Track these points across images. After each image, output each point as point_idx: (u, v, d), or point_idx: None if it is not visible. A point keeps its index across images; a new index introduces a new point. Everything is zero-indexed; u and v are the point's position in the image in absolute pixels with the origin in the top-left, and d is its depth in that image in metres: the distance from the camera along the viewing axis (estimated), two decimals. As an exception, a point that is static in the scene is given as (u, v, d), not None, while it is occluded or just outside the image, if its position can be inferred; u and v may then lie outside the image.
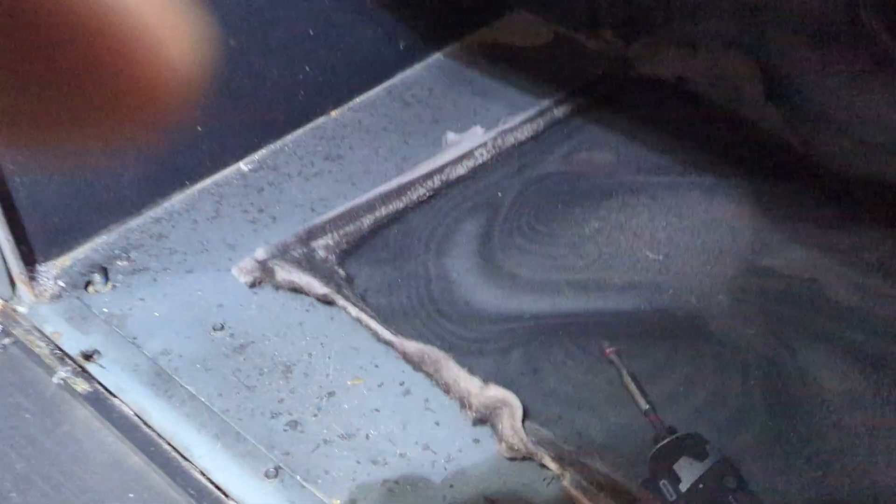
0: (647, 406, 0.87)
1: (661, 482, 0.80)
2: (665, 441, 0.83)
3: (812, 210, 1.18)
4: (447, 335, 1.00)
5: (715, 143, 1.31)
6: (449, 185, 1.19)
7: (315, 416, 0.90)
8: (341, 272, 0.99)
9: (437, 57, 1.53)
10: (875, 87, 1.25)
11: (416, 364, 0.88)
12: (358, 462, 0.86)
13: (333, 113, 1.35)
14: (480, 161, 1.23)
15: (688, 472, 0.80)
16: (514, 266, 1.10)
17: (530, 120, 1.32)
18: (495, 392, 0.81)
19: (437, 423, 0.90)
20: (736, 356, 0.98)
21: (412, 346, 0.88)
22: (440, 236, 1.14)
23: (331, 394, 0.92)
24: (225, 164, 1.20)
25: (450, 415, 0.90)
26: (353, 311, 0.91)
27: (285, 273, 0.95)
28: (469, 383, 0.82)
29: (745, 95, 1.37)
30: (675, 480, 0.80)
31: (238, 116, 1.19)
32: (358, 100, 1.40)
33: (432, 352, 0.86)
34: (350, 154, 1.27)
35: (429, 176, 1.15)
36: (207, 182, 1.18)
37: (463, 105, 1.41)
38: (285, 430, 0.88)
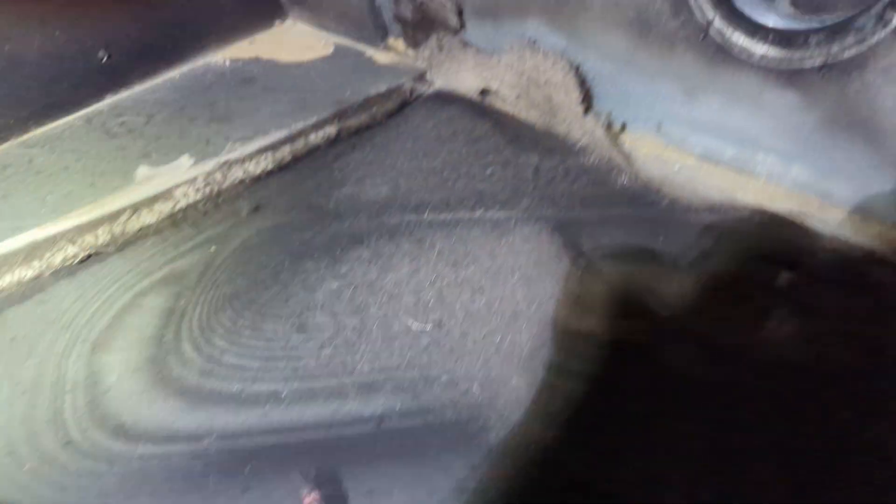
0: None
1: None
2: None
3: (645, 242, 0.86)
4: (67, 478, 0.60)
5: (520, 167, 0.99)
6: (127, 241, 0.80)
7: None
8: None
9: (169, 76, 1.16)
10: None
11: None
12: None
13: (-9, 150, 0.96)
14: (184, 204, 0.85)
15: None
16: (208, 360, 0.72)
17: (272, 148, 0.96)
18: None
19: None
20: (540, 482, 0.63)
21: None
22: (98, 320, 0.75)
23: None
24: None
25: None
26: None
27: None
28: None
29: (560, 107, 1.07)
30: None
31: None
32: (38, 131, 1.02)
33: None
34: (-4, 206, 0.87)
35: (86, 229, 0.77)
36: None
37: (193, 135, 1.04)
38: None
